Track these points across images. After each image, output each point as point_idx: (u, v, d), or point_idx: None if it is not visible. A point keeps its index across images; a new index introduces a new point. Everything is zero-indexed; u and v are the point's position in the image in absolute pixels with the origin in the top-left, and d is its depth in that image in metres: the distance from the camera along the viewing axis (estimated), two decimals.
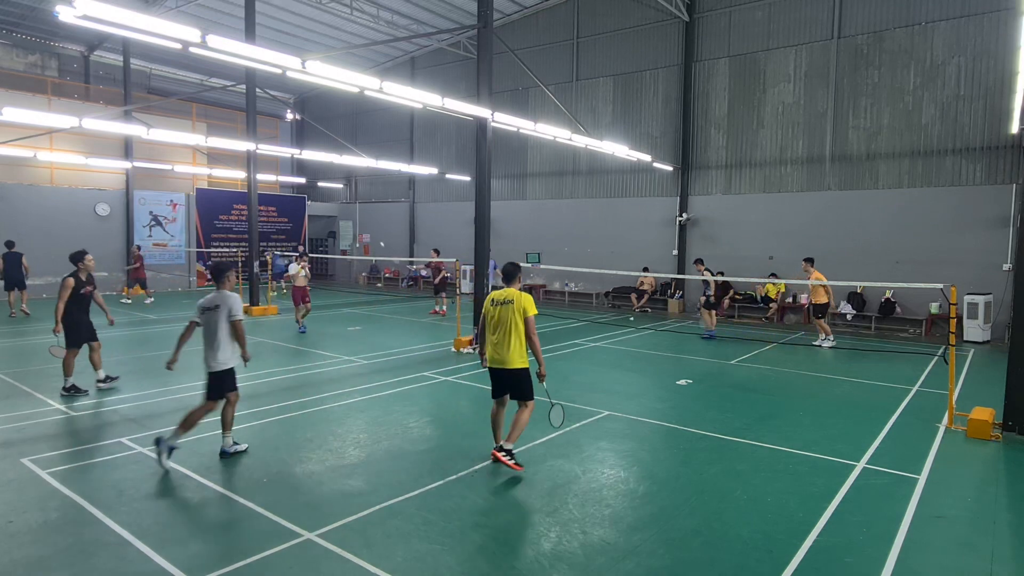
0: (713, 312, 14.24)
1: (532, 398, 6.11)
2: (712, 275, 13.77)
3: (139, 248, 19.81)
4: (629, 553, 4.45)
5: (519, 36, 22.01)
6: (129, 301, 19.04)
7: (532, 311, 5.98)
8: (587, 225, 21.48)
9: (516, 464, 5.91)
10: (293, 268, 14.22)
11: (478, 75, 12.03)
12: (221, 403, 6.22)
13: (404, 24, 21.94)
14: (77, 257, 8.58)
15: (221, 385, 6.16)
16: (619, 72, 20.48)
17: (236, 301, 6.19)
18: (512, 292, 6.10)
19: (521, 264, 6.49)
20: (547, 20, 21.91)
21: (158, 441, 5.89)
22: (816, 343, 13.25)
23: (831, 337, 13.28)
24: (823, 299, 13.31)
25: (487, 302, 6.22)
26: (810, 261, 13.49)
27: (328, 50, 22.12)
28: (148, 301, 18.86)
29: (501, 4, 21.14)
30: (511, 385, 6.11)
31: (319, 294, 23.34)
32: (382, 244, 28.53)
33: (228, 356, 6.16)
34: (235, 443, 6.34)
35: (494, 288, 7.10)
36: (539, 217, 22.68)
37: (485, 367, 6.26)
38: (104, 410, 7.81)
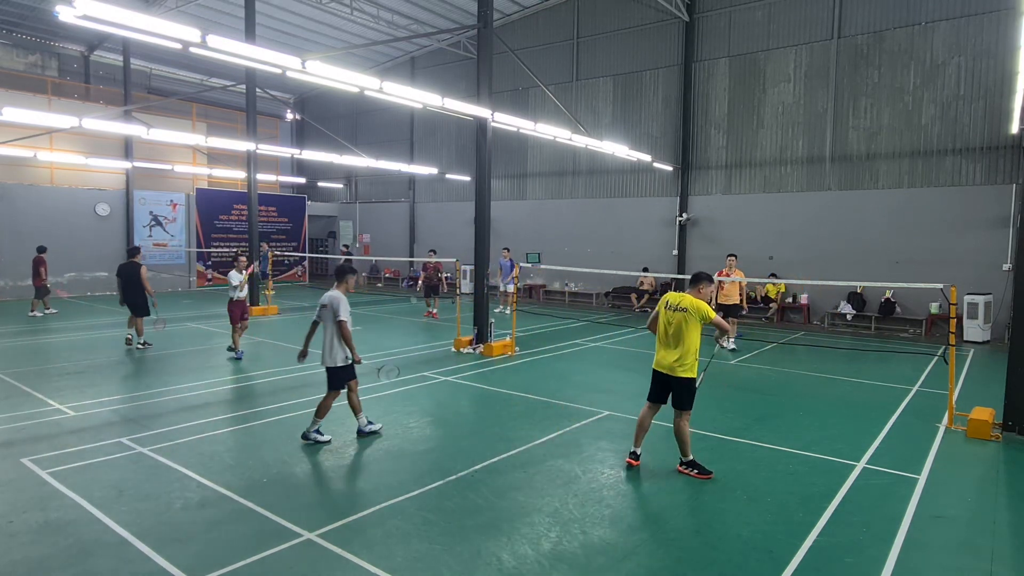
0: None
1: (690, 408, 5.98)
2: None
3: (43, 251, 16.00)
4: (629, 553, 4.46)
5: (519, 36, 22.00)
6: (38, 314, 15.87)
7: (711, 316, 5.88)
8: (587, 225, 21.48)
9: (700, 473, 5.87)
10: (237, 278, 10.97)
11: (478, 75, 12.02)
12: (342, 392, 6.75)
13: (404, 24, 21.94)
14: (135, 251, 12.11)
15: (336, 378, 6.66)
16: (619, 72, 20.48)
17: (343, 302, 6.60)
18: (687, 299, 5.94)
19: (707, 274, 6.26)
20: (547, 20, 21.91)
21: (304, 435, 6.66)
22: (727, 346, 12.56)
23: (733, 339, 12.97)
24: (738, 299, 12.93)
25: (661, 303, 6.16)
26: (735, 257, 13.24)
27: (328, 50, 22.13)
28: (50, 311, 16.19)
29: (501, 4, 21.14)
30: (675, 393, 5.99)
31: (319, 294, 23.33)
32: (346, 246, 27.81)
33: (331, 355, 6.58)
34: (369, 422, 6.97)
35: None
36: (539, 217, 22.67)
37: (657, 372, 6.18)
38: (104, 410, 7.81)
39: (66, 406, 7.92)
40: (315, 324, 6.87)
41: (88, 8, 6.15)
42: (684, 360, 5.87)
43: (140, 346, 11.72)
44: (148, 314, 11.77)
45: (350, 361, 6.66)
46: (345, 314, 6.52)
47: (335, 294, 6.65)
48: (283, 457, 6.24)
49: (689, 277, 6.37)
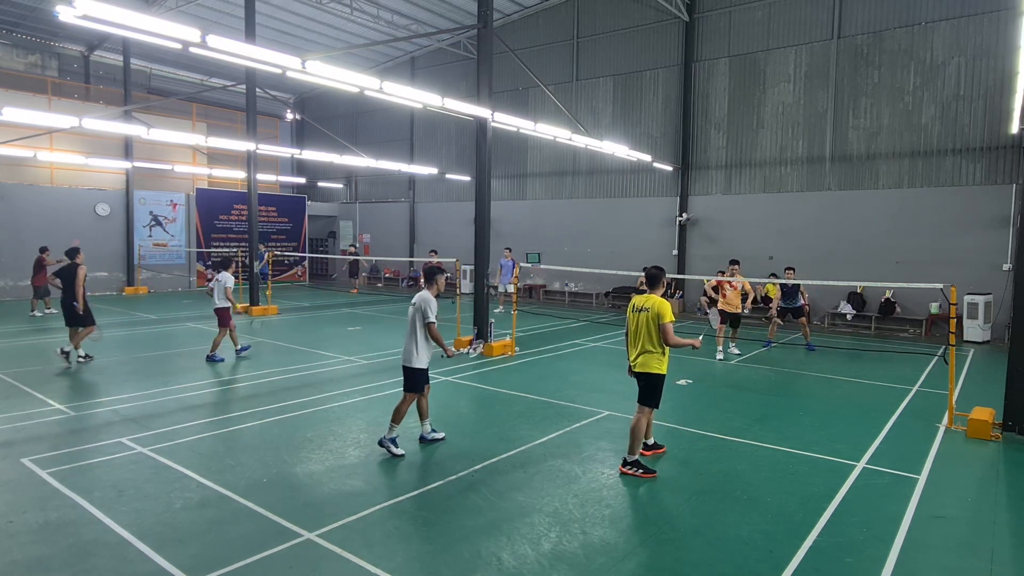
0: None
1: (652, 406, 5.95)
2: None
3: (45, 251, 15.84)
4: (629, 553, 4.46)
5: (519, 36, 22.00)
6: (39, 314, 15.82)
7: (667, 318, 5.76)
8: (587, 225, 21.47)
9: (645, 472, 5.84)
10: (230, 280, 10.93)
11: (478, 75, 12.02)
12: (416, 395, 6.54)
13: (404, 24, 21.94)
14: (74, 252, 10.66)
15: (413, 380, 6.47)
16: (619, 72, 20.48)
17: (431, 303, 6.46)
18: (651, 299, 5.94)
19: (659, 269, 6.17)
20: (547, 20, 21.91)
21: (380, 442, 6.40)
22: (723, 356, 11.80)
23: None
24: (740, 307, 12.19)
25: (628, 309, 6.13)
26: (738, 264, 12.24)
27: (328, 50, 22.12)
28: (50, 311, 15.91)
29: (501, 4, 21.14)
30: (640, 387, 6.00)
31: (320, 294, 23.35)
32: (353, 246, 27.09)
33: (417, 356, 6.44)
34: (433, 430, 6.81)
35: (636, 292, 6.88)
36: (539, 217, 22.67)
37: (631, 375, 6.14)
38: (104, 410, 7.81)
39: (66, 406, 7.91)
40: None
41: (88, 8, 6.15)
42: (648, 358, 5.88)
43: (81, 359, 10.42)
44: (89, 323, 10.48)
45: (426, 366, 6.49)
46: (433, 315, 6.42)
47: (425, 295, 6.50)
48: (283, 457, 6.24)
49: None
